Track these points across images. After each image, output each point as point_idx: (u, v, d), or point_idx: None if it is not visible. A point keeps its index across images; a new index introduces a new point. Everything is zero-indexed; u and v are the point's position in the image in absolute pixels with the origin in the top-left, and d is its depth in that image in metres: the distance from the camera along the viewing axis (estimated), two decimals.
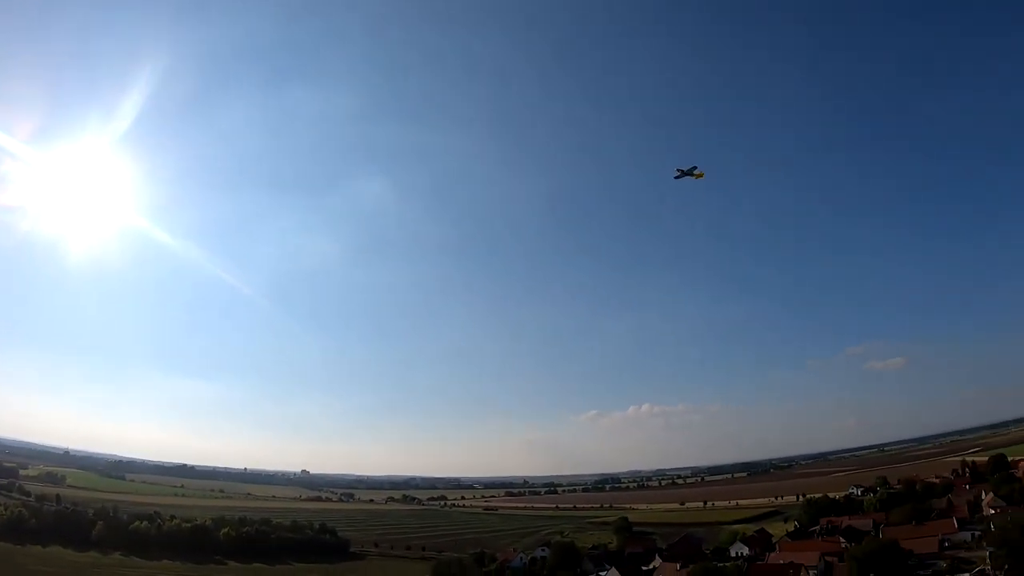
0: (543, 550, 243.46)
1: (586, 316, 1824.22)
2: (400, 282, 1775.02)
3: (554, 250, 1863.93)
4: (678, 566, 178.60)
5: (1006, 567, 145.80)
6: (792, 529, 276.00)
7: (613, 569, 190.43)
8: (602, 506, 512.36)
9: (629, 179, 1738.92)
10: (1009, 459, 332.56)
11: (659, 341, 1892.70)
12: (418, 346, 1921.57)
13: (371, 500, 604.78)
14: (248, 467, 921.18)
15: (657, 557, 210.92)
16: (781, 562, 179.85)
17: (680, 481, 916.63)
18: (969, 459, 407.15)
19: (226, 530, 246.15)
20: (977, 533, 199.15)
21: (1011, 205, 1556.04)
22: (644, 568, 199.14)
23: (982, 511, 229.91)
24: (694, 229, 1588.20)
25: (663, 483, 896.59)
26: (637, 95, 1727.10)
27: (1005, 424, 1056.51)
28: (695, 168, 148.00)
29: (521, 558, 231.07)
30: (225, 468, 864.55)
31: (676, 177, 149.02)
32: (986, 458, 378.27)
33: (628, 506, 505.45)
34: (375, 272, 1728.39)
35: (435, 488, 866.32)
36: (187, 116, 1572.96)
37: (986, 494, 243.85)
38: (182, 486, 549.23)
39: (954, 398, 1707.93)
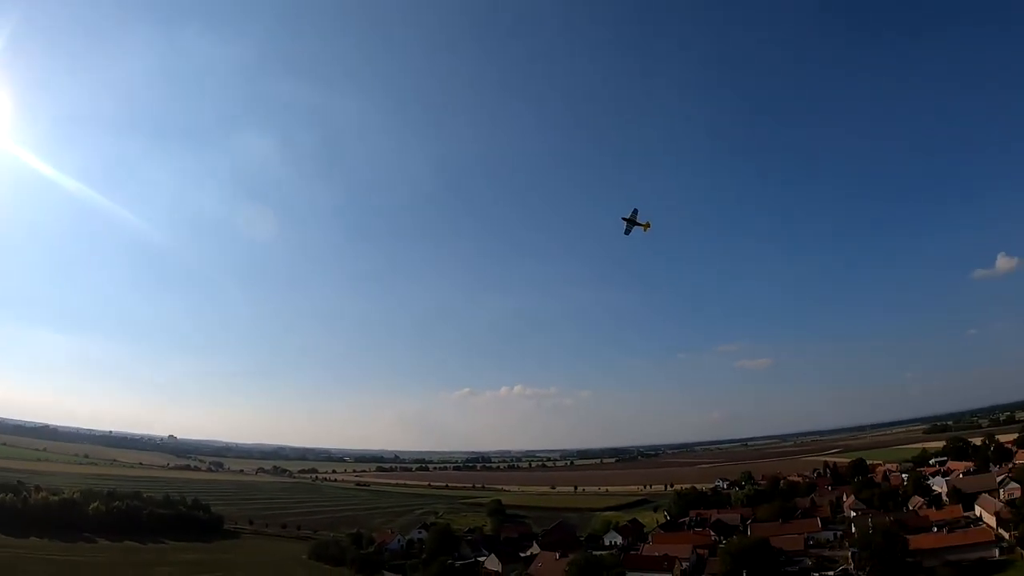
0: (420, 532, 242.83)
1: (468, 292, 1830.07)
2: (281, 243, 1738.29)
3: (443, 224, 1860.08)
4: (557, 555, 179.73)
5: (868, 568, 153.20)
6: (663, 519, 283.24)
7: (492, 556, 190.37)
8: (474, 486, 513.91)
9: (528, 163, 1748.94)
10: (868, 463, 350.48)
11: (536, 324, 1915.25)
12: (294, 311, 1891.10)
13: (241, 471, 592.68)
14: (114, 430, 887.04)
15: (535, 544, 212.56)
16: (656, 554, 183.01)
17: (550, 464, 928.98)
18: (830, 460, 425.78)
19: (95, 504, 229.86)
20: (839, 533, 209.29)
21: (867, 226, 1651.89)
22: (522, 555, 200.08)
23: (844, 512, 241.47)
24: (583, 219, 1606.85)
25: (533, 465, 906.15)
26: (549, 80, 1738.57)
27: (862, 428, 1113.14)
28: (636, 213, 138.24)
29: (399, 540, 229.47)
30: (89, 430, 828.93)
31: (625, 232, 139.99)
32: (845, 460, 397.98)
33: (500, 488, 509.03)
34: (256, 230, 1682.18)
35: (305, 459, 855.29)
36: (73, 51, 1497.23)
37: (847, 496, 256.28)
38: (44, 449, 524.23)
39: (815, 400, 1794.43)
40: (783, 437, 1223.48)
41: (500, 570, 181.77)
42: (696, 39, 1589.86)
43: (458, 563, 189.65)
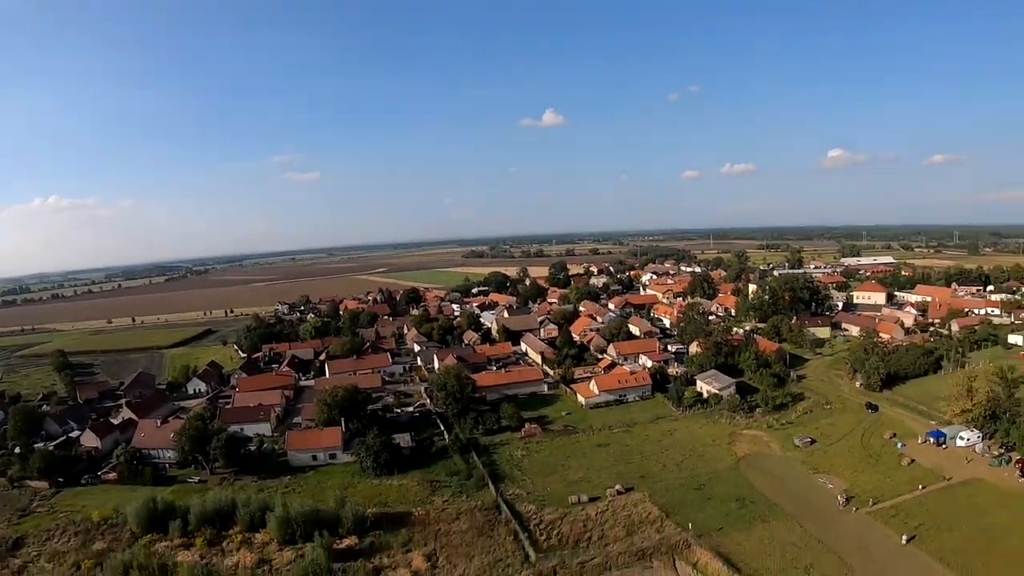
0: None
1: None
2: None
3: None
4: (158, 422, 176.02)
5: (445, 405, 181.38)
6: (236, 356, 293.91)
7: (88, 432, 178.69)
8: (23, 329, 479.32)
9: None
10: (420, 289, 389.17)
11: (63, 123, 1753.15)
12: None
13: None
14: None
15: (123, 406, 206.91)
16: (250, 404, 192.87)
17: (96, 289, 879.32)
18: (381, 281, 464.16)
19: None
20: (408, 366, 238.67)
21: (429, 67, 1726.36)
22: (114, 422, 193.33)
23: (407, 344, 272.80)
24: None
25: (78, 292, 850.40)
26: None
27: (407, 246, 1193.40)
28: None
29: None
30: None
31: None
32: (395, 282, 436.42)
33: (51, 327, 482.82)
34: None
35: None
36: None
37: (408, 328, 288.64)
38: None
39: (361, 216, 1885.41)
40: (329, 251, 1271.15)
41: (100, 445, 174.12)
42: None
43: (51, 446, 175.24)
